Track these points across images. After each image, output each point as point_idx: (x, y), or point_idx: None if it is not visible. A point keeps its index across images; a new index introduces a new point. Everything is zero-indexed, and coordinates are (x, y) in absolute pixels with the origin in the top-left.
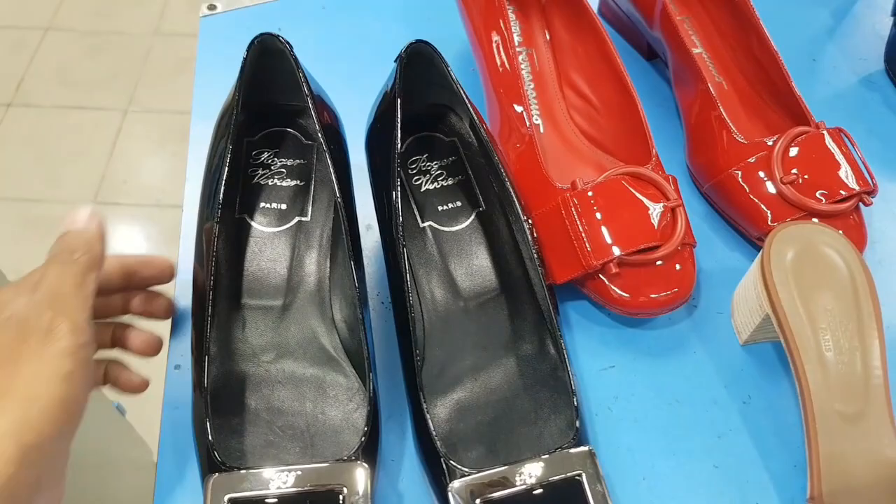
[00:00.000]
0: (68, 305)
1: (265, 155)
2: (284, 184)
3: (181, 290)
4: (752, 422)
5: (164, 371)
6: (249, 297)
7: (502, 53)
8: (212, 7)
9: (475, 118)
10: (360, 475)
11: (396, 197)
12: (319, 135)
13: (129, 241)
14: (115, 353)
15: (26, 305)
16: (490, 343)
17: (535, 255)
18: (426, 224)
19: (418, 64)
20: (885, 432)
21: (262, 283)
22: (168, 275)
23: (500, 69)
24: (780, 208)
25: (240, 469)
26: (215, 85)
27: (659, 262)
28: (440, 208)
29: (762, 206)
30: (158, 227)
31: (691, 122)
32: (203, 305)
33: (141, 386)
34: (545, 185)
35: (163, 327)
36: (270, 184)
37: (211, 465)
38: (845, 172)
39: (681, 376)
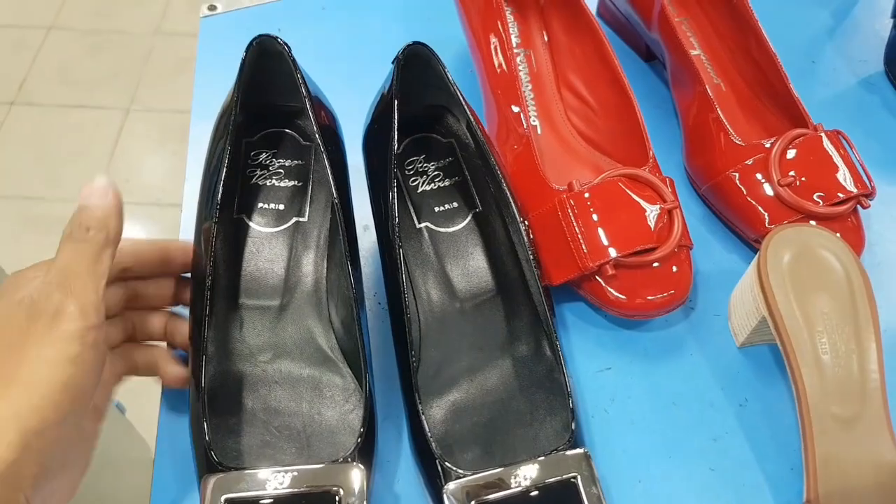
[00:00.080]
0: (79, 286)
1: (263, 155)
2: (282, 184)
3: None
4: (749, 424)
5: None
6: (247, 297)
7: (500, 55)
8: (212, 7)
9: (472, 120)
10: (356, 476)
11: (393, 198)
12: (317, 136)
13: None
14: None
15: (37, 287)
16: (486, 344)
17: (532, 257)
18: (423, 225)
19: (415, 66)
20: (881, 435)
21: (260, 283)
22: None
23: (498, 70)
24: (777, 211)
25: (236, 469)
26: (215, 85)
27: (656, 264)
28: (437, 209)
29: (759, 208)
30: (159, 225)
31: (689, 123)
32: (201, 305)
33: (179, 381)
34: (542, 186)
35: None
36: (268, 184)
37: (208, 465)
38: (843, 175)
39: (677, 378)
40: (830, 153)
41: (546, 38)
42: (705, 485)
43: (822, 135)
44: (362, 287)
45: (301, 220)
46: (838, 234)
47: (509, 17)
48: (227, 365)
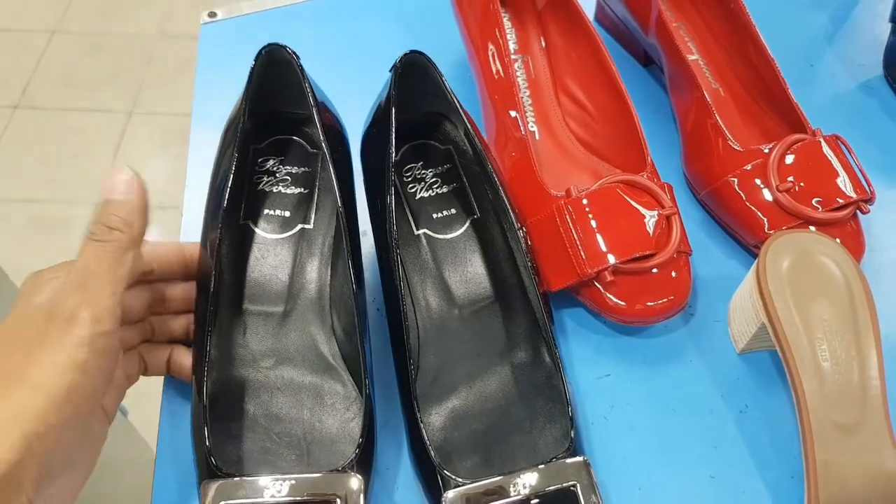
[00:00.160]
0: (97, 289)
1: (271, 162)
2: (289, 191)
3: None
4: (749, 432)
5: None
6: (251, 303)
7: (498, 61)
8: (212, 14)
9: (469, 127)
10: (354, 486)
11: (391, 204)
12: (323, 143)
13: None
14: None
15: (56, 288)
16: (484, 351)
17: (530, 263)
18: (421, 231)
19: (413, 74)
20: (882, 443)
21: (264, 289)
22: None
23: (496, 76)
24: (776, 216)
25: (236, 476)
26: (215, 91)
27: (654, 270)
28: (435, 216)
29: (758, 213)
30: (161, 228)
31: (687, 129)
32: (205, 309)
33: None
34: (540, 192)
35: None
36: (275, 191)
37: (208, 470)
38: (842, 180)
39: (677, 385)
40: (829, 158)
41: (544, 44)
42: (705, 492)
43: (821, 140)
44: (365, 295)
45: (306, 227)
46: (838, 240)
47: (507, 24)
48: (230, 370)
